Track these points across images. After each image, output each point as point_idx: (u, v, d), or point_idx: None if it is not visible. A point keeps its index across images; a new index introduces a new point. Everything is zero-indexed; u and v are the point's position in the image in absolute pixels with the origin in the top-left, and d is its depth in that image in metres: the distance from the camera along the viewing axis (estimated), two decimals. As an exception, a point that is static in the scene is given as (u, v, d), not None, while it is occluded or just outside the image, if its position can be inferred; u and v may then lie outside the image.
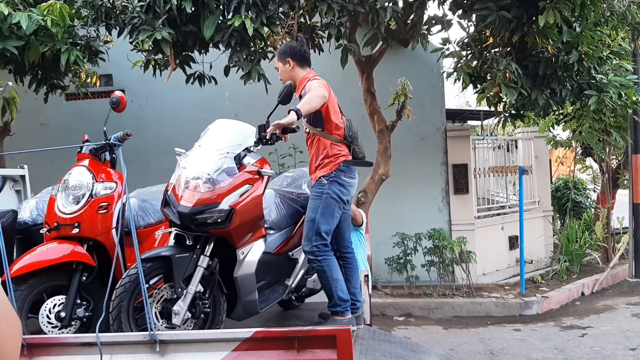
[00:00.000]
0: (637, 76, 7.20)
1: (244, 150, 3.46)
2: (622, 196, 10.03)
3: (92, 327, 3.25)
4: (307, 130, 3.83)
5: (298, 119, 3.41)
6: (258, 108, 8.69)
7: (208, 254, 3.38)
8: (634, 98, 6.76)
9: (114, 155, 3.74)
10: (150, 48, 5.71)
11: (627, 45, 7.81)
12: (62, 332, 3.41)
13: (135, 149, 8.37)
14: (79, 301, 3.50)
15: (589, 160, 10.91)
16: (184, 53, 6.16)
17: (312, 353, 2.97)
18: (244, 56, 5.63)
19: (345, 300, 3.69)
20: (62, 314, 3.42)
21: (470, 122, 12.27)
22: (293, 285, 3.96)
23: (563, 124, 9.19)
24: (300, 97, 3.73)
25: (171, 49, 5.61)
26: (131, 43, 5.96)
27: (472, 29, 6.55)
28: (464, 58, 6.65)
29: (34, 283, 3.43)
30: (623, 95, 6.57)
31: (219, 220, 3.27)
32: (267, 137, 3.44)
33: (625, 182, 9.53)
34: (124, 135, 3.63)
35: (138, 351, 3.08)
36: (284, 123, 3.36)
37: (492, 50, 6.50)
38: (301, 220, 3.87)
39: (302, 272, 3.99)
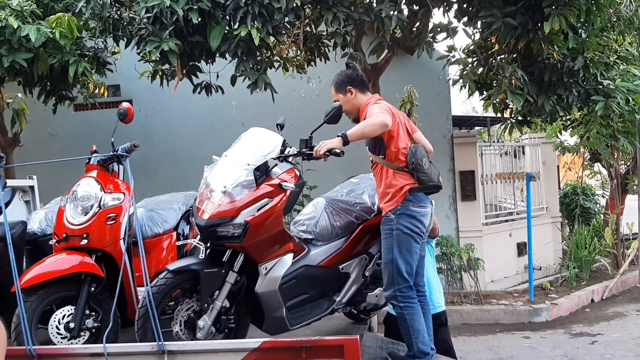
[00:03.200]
0: (644, 81, 7.16)
1: (275, 158, 3.39)
2: (632, 201, 9.98)
3: (101, 338, 3.26)
4: (370, 157, 3.60)
5: (344, 144, 3.26)
6: (265, 117, 8.71)
7: (236, 270, 3.32)
8: (642, 103, 6.73)
9: (121, 166, 3.76)
10: (158, 59, 5.74)
11: (634, 50, 7.79)
12: (72, 343, 3.43)
13: (143, 159, 8.42)
14: (87, 312, 3.52)
15: (597, 166, 10.86)
16: (190, 63, 6.19)
17: (320, 363, 2.98)
18: (251, 66, 5.65)
19: (425, 353, 3.41)
20: (72, 325, 3.44)
21: (477, 129, 12.25)
22: (344, 301, 3.67)
23: (570, 129, 9.16)
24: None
25: (178, 60, 5.65)
26: (138, 54, 5.99)
27: (477, 36, 6.56)
28: (470, 65, 6.65)
29: (44, 294, 3.45)
30: (631, 100, 6.55)
31: (234, 235, 3.20)
32: (307, 154, 3.38)
33: (635, 187, 9.48)
34: (131, 146, 3.66)
35: (146, 362, 3.09)
36: (328, 147, 3.25)
37: (498, 57, 6.50)
38: (355, 232, 3.65)
39: (354, 287, 3.69)
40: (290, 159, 3.45)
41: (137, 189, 3.58)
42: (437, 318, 4.00)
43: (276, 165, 3.39)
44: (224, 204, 3.21)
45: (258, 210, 3.22)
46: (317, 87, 8.89)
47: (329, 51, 6.81)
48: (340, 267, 3.64)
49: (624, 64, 7.03)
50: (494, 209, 9.44)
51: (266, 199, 3.25)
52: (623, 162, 10.20)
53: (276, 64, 6.54)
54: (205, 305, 3.29)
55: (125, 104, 3.68)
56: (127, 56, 6.66)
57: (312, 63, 7.12)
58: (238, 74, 5.84)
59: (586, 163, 10.41)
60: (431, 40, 6.34)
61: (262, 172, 3.31)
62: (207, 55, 6.09)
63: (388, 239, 3.42)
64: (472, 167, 8.73)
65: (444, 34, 6.44)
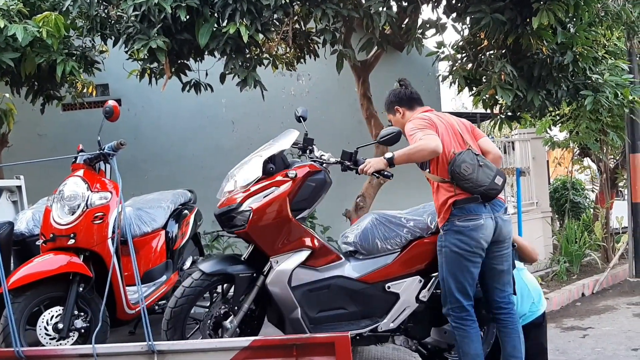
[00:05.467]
0: (633, 75, 7.21)
1: (305, 155, 3.45)
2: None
3: (90, 338, 3.24)
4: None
5: (389, 167, 3.25)
6: (255, 115, 8.74)
7: (265, 273, 3.33)
8: (630, 97, 6.76)
9: (108, 164, 3.73)
10: (146, 57, 5.70)
11: (622, 44, 7.82)
12: (60, 344, 3.40)
13: (132, 158, 8.37)
14: (76, 312, 3.50)
15: (587, 161, 10.91)
16: (179, 61, 6.15)
17: (311, 360, 2.97)
18: (240, 63, 5.62)
19: None
20: (60, 326, 3.42)
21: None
22: (392, 325, 3.43)
23: (560, 124, 9.19)
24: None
25: (166, 58, 5.60)
26: (126, 52, 5.95)
27: (466, 32, 6.55)
28: (459, 61, 6.64)
29: (31, 295, 3.43)
30: (619, 94, 6.57)
31: (239, 223, 3.24)
32: (349, 168, 3.40)
33: (624, 181, 9.52)
34: (118, 144, 3.63)
35: (136, 362, 3.07)
36: (376, 168, 3.28)
37: (487, 53, 6.49)
38: (406, 249, 3.48)
39: (406, 311, 3.45)
40: (324, 162, 3.45)
41: (126, 188, 3.55)
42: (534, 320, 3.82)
43: (297, 161, 3.44)
44: (232, 192, 3.31)
45: (264, 197, 3.24)
46: (307, 85, 8.87)
47: (319, 48, 6.79)
48: (387, 285, 3.43)
49: (612, 58, 7.06)
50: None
51: (273, 188, 3.27)
52: (612, 156, 10.25)
53: (265, 62, 6.50)
54: (235, 307, 3.31)
55: (111, 102, 3.65)
56: (115, 55, 6.60)
57: (302, 60, 7.09)
58: (227, 72, 5.80)
59: (576, 158, 10.45)
60: (420, 36, 6.33)
61: (279, 166, 3.34)
62: (196, 53, 6.05)
63: (439, 257, 3.32)
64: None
65: (433, 30, 6.43)
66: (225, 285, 3.43)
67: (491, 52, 6.52)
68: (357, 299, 3.39)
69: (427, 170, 3.37)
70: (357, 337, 3.39)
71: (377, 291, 3.40)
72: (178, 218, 4.47)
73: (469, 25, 6.30)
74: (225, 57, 5.66)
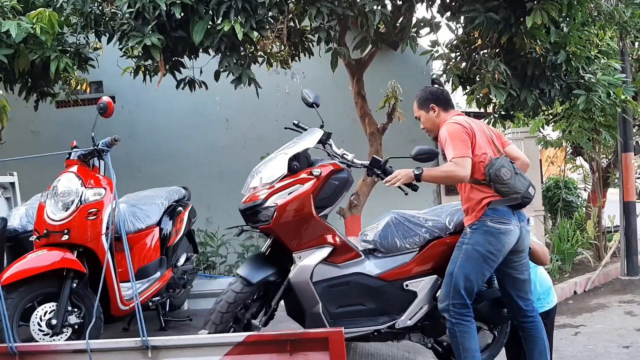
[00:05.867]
0: (625, 75, 7.26)
1: (333, 155, 3.50)
2: (613, 195, 10.08)
3: (84, 334, 3.24)
4: None
5: (417, 181, 3.31)
6: (249, 113, 8.75)
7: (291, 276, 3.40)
8: (623, 97, 6.79)
9: (102, 161, 3.73)
10: (140, 54, 5.70)
11: (615, 44, 7.86)
12: (54, 340, 3.40)
13: (126, 156, 8.36)
14: (70, 308, 3.50)
15: (580, 160, 10.96)
16: (173, 59, 6.14)
17: (305, 356, 2.96)
18: (234, 61, 5.62)
19: None
20: (54, 322, 3.42)
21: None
22: (409, 323, 3.47)
23: (553, 124, 9.24)
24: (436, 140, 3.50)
25: (161, 55, 5.60)
26: (121, 49, 5.94)
27: (460, 31, 6.59)
28: (453, 60, 6.67)
29: (25, 291, 3.43)
30: (612, 94, 6.60)
31: (264, 218, 3.29)
32: (377, 175, 3.47)
33: (616, 180, 9.57)
34: (112, 140, 3.63)
35: (130, 357, 3.05)
36: (403, 182, 3.34)
37: (481, 52, 6.53)
38: (425, 249, 3.51)
39: (423, 309, 3.49)
40: (350, 163, 3.50)
41: (120, 186, 3.55)
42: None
43: (322, 160, 3.49)
44: (256, 189, 3.36)
45: (289, 194, 3.30)
46: (302, 83, 8.87)
47: (313, 46, 6.80)
48: (405, 283, 3.46)
49: (605, 58, 7.10)
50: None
51: (297, 185, 3.32)
52: (604, 155, 10.30)
53: (260, 59, 6.51)
54: (267, 308, 3.42)
55: (105, 98, 3.65)
56: (109, 52, 6.59)
57: (296, 58, 7.10)
58: (222, 69, 5.80)
59: (568, 157, 10.50)
60: (415, 35, 6.34)
61: (303, 164, 3.39)
62: (190, 50, 6.04)
63: (457, 251, 3.33)
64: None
65: (427, 29, 6.45)
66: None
67: (485, 51, 6.56)
68: (375, 296, 3.44)
69: None
70: (375, 333, 3.48)
71: (395, 289, 3.45)
72: (172, 215, 4.47)
73: (463, 24, 6.34)
74: (219, 54, 5.66)
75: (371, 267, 3.46)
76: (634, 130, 9.88)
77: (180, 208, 4.61)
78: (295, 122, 3.86)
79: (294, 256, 3.33)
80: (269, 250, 3.50)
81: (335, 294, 3.38)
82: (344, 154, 3.56)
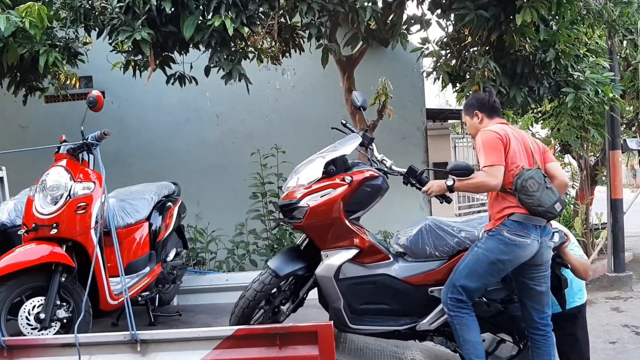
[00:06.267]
0: (613, 73, 7.30)
1: (374, 161, 3.64)
2: (600, 192, 10.16)
3: (72, 328, 3.23)
4: None
5: (449, 192, 3.38)
6: (240, 109, 8.74)
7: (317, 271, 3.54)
8: (611, 95, 6.84)
9: (92, 155, 3.72)
10: (130, 49, 5.67)
11: (603, 42, 7.92)
12: (42, 334, 3.39)
13: (116, 151, 8.33)
14: (58, 302, 3.49)
15: (568, 158, 11.03)
16: (164, 54, 6.13)
17: (294, 349, 2.98)
18: (225, 56, 5.61)
19: None
20: (42, 316, 3.41)
21: (450, 122, 12.36)
22: (431, 326, 3.56)
23: (542, 122, 9.29)
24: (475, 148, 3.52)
25: (151, 50, 5.58)
26: (110, 44, 5.92)
27: (450, 29, 6.60)
28: (443, 57, 6.70)
29: (13, 285, 3.41)
30: (600, 92, 6.65)
31: (297, 216, 3.46)
32: (414, 185, 3.57)
33: (604, 178, 9.64)
34: (101, 134, 3.62)
35: (119, 351, 3.07)
36: (437, 193, 3.42)
37: (471, 49, 6.55)
38: (454, 258, 3.54)
39: (445, 316, 3.52)
40: (387, 171, 3.62)
41: (110, 182, 3.55)
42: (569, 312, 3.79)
43: (358, 164, 3.64)
44: (293, 188, 3.55)
45: (321, 197, 3.46)
46: (292, 79, 8.87)
47: (304, 42, 6.80)
48: (430, 289, 3.54)
49: (594, 56, 7.15)
50: (467, 200, 9.55)
51: (330, 189, 3.48)
52: (592, 153, 10.37)
53: (251, 55, 6.50)
54: (295, 297, 3.64)
55: (94, 92, 3.64)
56: (99, 47, 6.56)
57: (287, 54, 7.10)
58: (212, 65, 5.79)
59: (557, 155, 10.56)
60: (405, 32, 6.37)
61: (340, 168, 3.54)
62: (181, 45, 6.02)
63: (468, 252, 3.37)
64: (445, 159, 8.82)
65: (417, 26, 6.47)
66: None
67: (475, 48, 6.58)
68: (399, 298, 3.54)
69: None
70: (395, 332, 3.59)
71: (419, 293, 3.53)
72: (162, 210, 4.47)
73: (453, 22, 6.36)
74: (210, 50, 5.65)
75: (399, 270, 3.56)
76: (622, 129, 9.96)
77: (169, 203, 4.61)
78: (343, 122, 3.99)
79: (322, 254, 3.50)
80: (305, 244, 3.69)
81: (361, 292, 3.51)
82: (383, 160, 3.67)
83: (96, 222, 3.58)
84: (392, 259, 3.59)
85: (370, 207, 3.63)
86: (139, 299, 4.14)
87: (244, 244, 7.11)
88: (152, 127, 8.85)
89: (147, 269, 4.16)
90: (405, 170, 3.58)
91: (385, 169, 3.62)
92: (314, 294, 3.72)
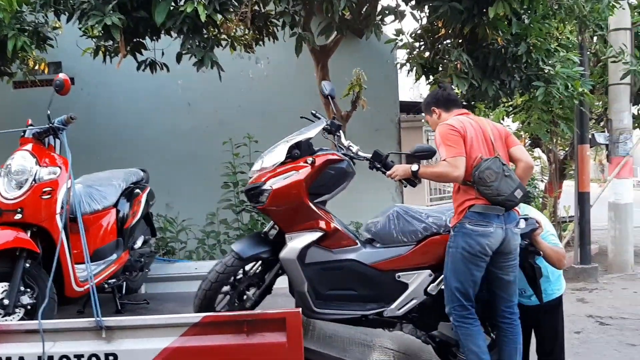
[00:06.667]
0: (583, 68, 7.43)
1: (342, 148, 3.64)
2: (569, 187, 10.34)
3: (37, 315, 3.17)
4: None
5: (414, 177, 3.40)
6: (212, 97, 8.65)
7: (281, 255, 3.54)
8: (580, 89, 6.96)
9: (58, 139, 3.64)
10: (100, 34, 5.58)
11: (574, 38, 8.04)
12: (6, 320, 3.32)
13: (85, 138, 8.17)
14: (22, 288, 3.42)
15: (538, 152, 11.21)
16: (134, 39, 6.03)
17: (262, 336, 2.98)
18: (197, 43, 5.54)
19: None
20: (6, 302, 3.33)
21: (423, 114, 12.44)
22: (398, 313, 3.56)
23: (513, 115, 9.41)
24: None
25: (121, 35, 5.49)
26: (80, 29, 5.81)
27: (424, 20, 6.63)
28: (417, 49, 6.73)
29: (-24, 270, 3.33)
30: (570, 86, 6.76)
31: (260, 199, 3.47)
32: (377, 169, 3.59)
33: (572, 172, 9.82)
34: (68, 118, 3.55)
35: (84, 338, 3.02)
36: (401, 177, 3.45)
37: (444, 42, 6.59)
38: (421, 243, 3.57)
39: (413, 301, 3.56)
40: (353, 155, 3.63)
41: (78, 169, 3.49)
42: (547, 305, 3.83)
43: (323, 149, 3.63)
44: (261, 173, 3.56)
45: (284, 179, 3.47)
46: (266, 68, 8.82)
47: (278, 31, 6.76)
48: (397, 274, 3.55)
49: (564, 51, 7.26)
50: (438, 192, 9.63)
51: (293, 172, 3.48)
52: (561, 147, 10.56)
53: (223, 43, 6.44)
54: (260, 283, 3.62)
55: (62, 75, 3.56)
56: (69, 32, 6.43)
57: (261, 43, 7.05)
58: (184, 52, 5.71)
59: (527, 148, 10.72)
60: (379, 22, 6.38)
61: (305, 152, 3.54)
62: (152, 31, 5.94)
63: (446, 256, 3.40)
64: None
65: (392, 17, 6.49)
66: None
67: (448, 41, 6.62)
68: (367, 283, 3.54)
69: None
70: (363, 319, 3.59)
71: (387, 279, 3.54)
72: (130, 197, 4.40)
73: (427, 14, 6.38)
74: (182, 36, 5.58)
75: (366, 255, 3.56)
76: (590, 124, 10.16)
77: (138, 190, 4.53)
78: (313, 111, 3.99)
79: (286, 237, 3.49)
80: (273, 232, 3.67)
81: (328, 277, 3.51)
82: (350, 145, 3.67)
83: (62, 208, 3.50)
84: (359, 245, 3.60)
85: (336, 191, 3.62)
86: (106, 286, 4.07)
87: (214, 233, 7.06)
88: (122, 115, 8.71)
89: (114, 256, 4.09)
90: (371, 155, 3.60)
91: (352, 154, 3.62)
92: (284, 282, 3.71)
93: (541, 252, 3.63)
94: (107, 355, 2.97)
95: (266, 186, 3.47)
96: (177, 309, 4.01)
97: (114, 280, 4.10)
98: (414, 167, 3.39)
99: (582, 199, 8.88)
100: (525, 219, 3.54)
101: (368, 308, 3.54)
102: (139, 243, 4.55)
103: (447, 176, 3.31)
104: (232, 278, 3.58)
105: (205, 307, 3.52)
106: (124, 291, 4.46)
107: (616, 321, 7.00)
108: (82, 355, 2.98)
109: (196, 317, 2.98)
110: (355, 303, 3.54)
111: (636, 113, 10.55)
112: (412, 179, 3.47)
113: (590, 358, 4.29)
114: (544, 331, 3.86)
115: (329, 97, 3.84)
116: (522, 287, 3.73)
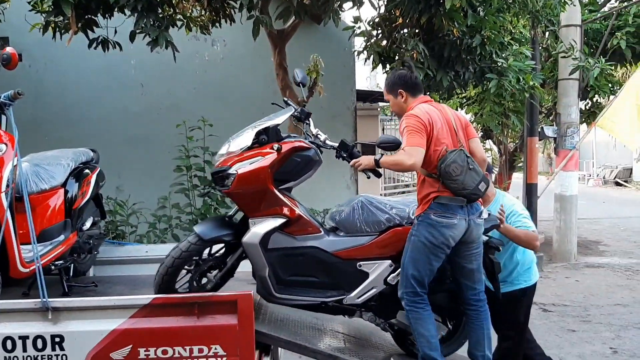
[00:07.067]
0: (535, 62, 7.61)
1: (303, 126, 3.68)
2: (518, 179, 10.62)
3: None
4: None
5: (376, 166, 3.42)
6: (166, 79, 8.50)
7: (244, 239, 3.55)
8: (531, 83, 7.14)
9: (4, 116, 3.50)
10: (50, 9, 5.41)
11: (527, 32, 8.23)
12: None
13: (32, 117, 7.95)
14: (-36, 269, 3.29)
15: (489, 143, 11.46)
16: (86, 16, 5.86)
17: (213, 318, 2.97)
18: (151, 22, 5.43)
19: (432, 359, 3.39)
20: (-54, 284, 3.21)
21: (380, 104, 12.53)
22: (358, 301, 3.60)
23: (466, 107, 9.59)
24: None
25: (72, 11, 5.33)
26: (29, 3, 5.61)
27: (382, 9, 6.66)
28: (374, 37, 6.76)
29: None
30: (521, 79, 6.92)
31: (226, 183, 3.48)
32: (344, 158, 3.60)
33: (521, 164, 10.09)
34: (14, 94, 3.41)
35: (29, 319, 2.96)
36: (365, 167, 3.45)
37: (401, 31, 6.64)
38: (383, 234, 3.59)
39: (372, 290, 3.59)
40: (319, 144, 3.64)
41: (25, 149, 3.37)
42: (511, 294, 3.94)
43: (290, 136, 3.64)
44: (225, 156, 3.57)
45: (250, 164, 3.47)
46: (222, 51, 8.71)
47: (235, 13, 6.66)
48: (359, 263, 3.58)
49: (517, 45, 7.42)
50: (392, 181, 9.74)
51: (259, 157, 3.48)
52: (512, 140, 10.82)
53: (179, 23, 6.31)
54: (222, 265, 3.60)
55: (9, 49, 3.41)
56: (16, 6, 6.21)
57: (217, 24, 6.94)
58: (137, 30, 5.58)
59: (479, 139, 10.95)
60: (338, 9, 6.37)
61: (272, 138, 3.55)
62: (105, 8, 5.78)
63: (407, 242, 3.42)
64: (373, 140, 8.91)
65: (350, 3, 6.48)
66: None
67: (405, 30, 6.68)
68: (328, 271, 3.57)
69: None
70: (322, 305, 3.62)
71: (348, 267, 3.57)
72: (79, 177, 4.26)
73: (385, 2, 6.41)
74: (136, 14, 5.45)
75: (329, 243, 3.59)
76: (540, 117, 10.44)
77: (87, 170, 4.40)
78: (285, 99, 4.01)
79: (250, 221, 3.50)
80: (239, 215, 3.67)
81: (290, 263, 3.53)
82: (318, 134, 3.68)
83: (7, 186, 3.38)
84: (323, 232, 3.62)
85: (301, 178, 3.65)
86: (52, 267, 3.95)
87: (166, 218, 6.95)
88: (71, 94, 8.47)
89: (62, 237, 3.97)
90: (338, 144, 3.63)
91: (319, 143, 3.65)
92: (247, 267, 3.70)
93: (502, 246, 3.74)
94: (53, 336, 2.91)
95: (232, 170, 3.48)
96: (126, 292, 3.93)
97: (61, 261, 3.99)
98: (377, 157, 3.41)
99: (530, 190, 9.14)
100: (488, 215, 3.62)
101: (328, 295, 3.58)
102: (87, 224, 4.43)
103: (402, 164, 3.32)
104: (197, 258, 3.56)
105: (165, 284, 3.47)
106: (71, 273, 4.33)
107: (558, 308, 7.26)
108: (27, 337, 2.91)
109: (146, 298, 2.94)
110: (315, 290, 3.58)
111: (583, 108, 10.89)
112: (377, 169, 3.50)
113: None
114: (506, 318, 3.98)
115: (301, 84, 3.83)
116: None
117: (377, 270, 3.58)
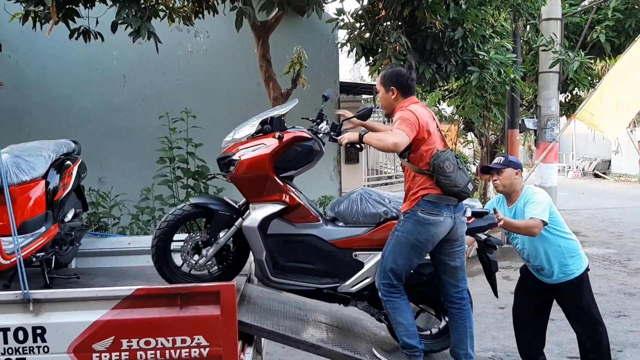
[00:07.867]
0: (516, 55, 7.68)
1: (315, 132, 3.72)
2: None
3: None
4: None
5: (360, 141, 3.44)
6: (148, 70, 8.45)
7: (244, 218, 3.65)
8: (512, 76, 7.21)
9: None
10: (30, -2, 5.34)
11: (508, 25, 8.29)
12: None
13: (12, 109, 7.87)
14: (-56, 261, 3.27)
15: (470, 135, 11.55)
16: (67, 6, 5.79)
17: (195, 309, 2.98)
18: (133, 12, 5.39)
19: (411, 347, 3.46)
20: None
21: (363, 96, 12.55)
22: (352, 290, 3.68)
23: (448, 99, 9.65)
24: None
25: (53, 0, 5.27)
26: (8, -8, 5.54)
27: (365, 1, 6.68)
28: (358, 30, 6.78)
29: None
30: (502, 72, 6.99)
31: (230, 169, 3.62)
32: (332, 138, 3.70)
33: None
34: (-5, 84, 3.39)
35: (10, 311, 2.94)
36: (348, 140, 3.49)
37: (384, 23, 6.67)
38: (380, 226, 3.67)
39: (367, 280, 3.67)
40: (320, 132, 3.73)
41: (5, 140, 3.35)
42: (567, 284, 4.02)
43: (294, 126, 3.73)
44: (229, 143, 3.71)
45: (253, 151, 3.61)
46: (205, 42, 8.67)
47: (218, 4, 6.64)
48: (355, 253, 3.68)
49: (499, 38, 7.49)
50: (375, 172, 9.79)
51: (261, 145, 3.62)
52: (493, 132, 10.92)
53: (161, 14, 6.27)
54: (212, 239, 3.68)
55: (-12, 39, 3.38)
56: (-5, -5, 6.11)
57: (200, 15, 6.91)
58: (119, 21, 5.55)
59: (460, 132, 11.03)
60: (321, 1, 6.37)
61: (276, 128, 3.66)
62: (86, -2, 5.73)
63: (390, 236, 3.48)
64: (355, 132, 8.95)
65: (333, -4, 6.50)
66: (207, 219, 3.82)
67: (388, 23, 6.70)
68: (325, 259, 3.68)
69: (406, 159, 3.49)
70: (317, 292, 3.72)
71: (344, 256, 3.68)
72: (60, 168, 4.23)
73: (368, -6, 6.43)
74: (117, 4, 5.41)
75: (327, 232, 3.70)
76: (521, 110, 10.54)
77: (69, 162, 4.36)
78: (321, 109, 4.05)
79: (250, 206, 3.63)
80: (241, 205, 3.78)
81: (288, 249, 3.66)
82: (321, 126, 3.77)
83: (-13, 178, 3.35)
84: (321, 222, 3.73)
85: (302, 168, 3.77)
86: (34, 259, 3.92)
87: (149, 209, 6.93)
88: (52, 85, 8.39)
89: (43, 228, 3.94)
90: (329, 127, 3.75)
91: (318, 131, 3.72)
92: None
93: (500, 245, 3.91)
94: (34, 328, 2.90)
95: (235, 156, 3.62)
96: (109, 284, 3.92)
97: (42, 253, 3.96)
98: (362, 132, 3.48)
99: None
100: (485, 213, 3.75)
101: (323, 282, 3.68)
102: (69, 216, 4.41)
103: (385, 141, 3.34)
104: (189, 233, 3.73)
105: (162, 244, 3.62)
106: (53, 265, 4.31)
107: (538, 298, 7.36)
108: (9, 329, 2.90)
109: (128, 289, 2.94)
110: (311, 276, 3.69)
111: (563, 100, 11.01)
112: (359, 142, 3.51)
113: (512, 331, 4.51)
114: (567, 309, 4.11)
115: (324, 97, 3.90)
116: (539, 265, 4.00)
117: (372, 261, 3.68)
